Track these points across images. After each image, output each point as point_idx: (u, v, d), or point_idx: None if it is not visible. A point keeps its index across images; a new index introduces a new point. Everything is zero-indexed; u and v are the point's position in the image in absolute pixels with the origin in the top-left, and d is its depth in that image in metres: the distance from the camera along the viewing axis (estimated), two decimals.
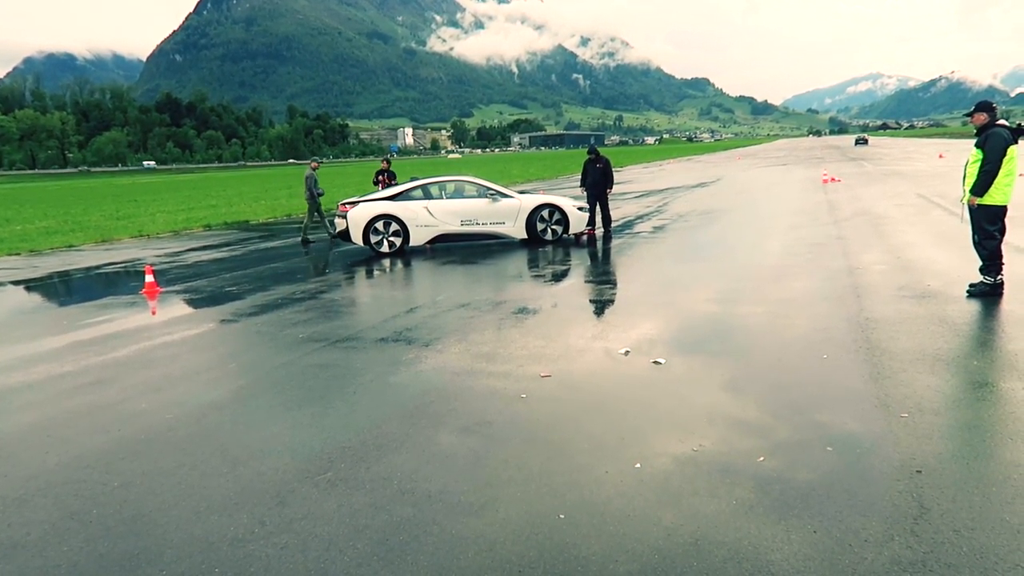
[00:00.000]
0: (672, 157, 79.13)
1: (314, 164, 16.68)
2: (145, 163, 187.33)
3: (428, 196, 13.09)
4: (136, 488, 3.90)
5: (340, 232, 13.09)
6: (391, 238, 12.75)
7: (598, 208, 14.64)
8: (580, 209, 13.53)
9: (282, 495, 3.72)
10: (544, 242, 13.15)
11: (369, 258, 12.68)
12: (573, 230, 13.45)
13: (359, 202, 13.03)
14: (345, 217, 12.85)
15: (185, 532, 3.40)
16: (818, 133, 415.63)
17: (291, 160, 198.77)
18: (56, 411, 5.24)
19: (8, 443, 4.68)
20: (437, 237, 13.02)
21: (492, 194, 13.16)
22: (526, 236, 13.19)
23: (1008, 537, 2.99)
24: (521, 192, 14.25)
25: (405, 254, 12.85)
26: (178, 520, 3.52)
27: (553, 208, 13.21)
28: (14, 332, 8.16)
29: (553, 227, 13.22)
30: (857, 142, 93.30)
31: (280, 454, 4.24)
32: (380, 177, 17.17)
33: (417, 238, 12.91)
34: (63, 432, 4.80)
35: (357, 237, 12.79)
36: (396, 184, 14.89)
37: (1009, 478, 3.48)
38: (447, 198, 13.17)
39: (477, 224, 13.03)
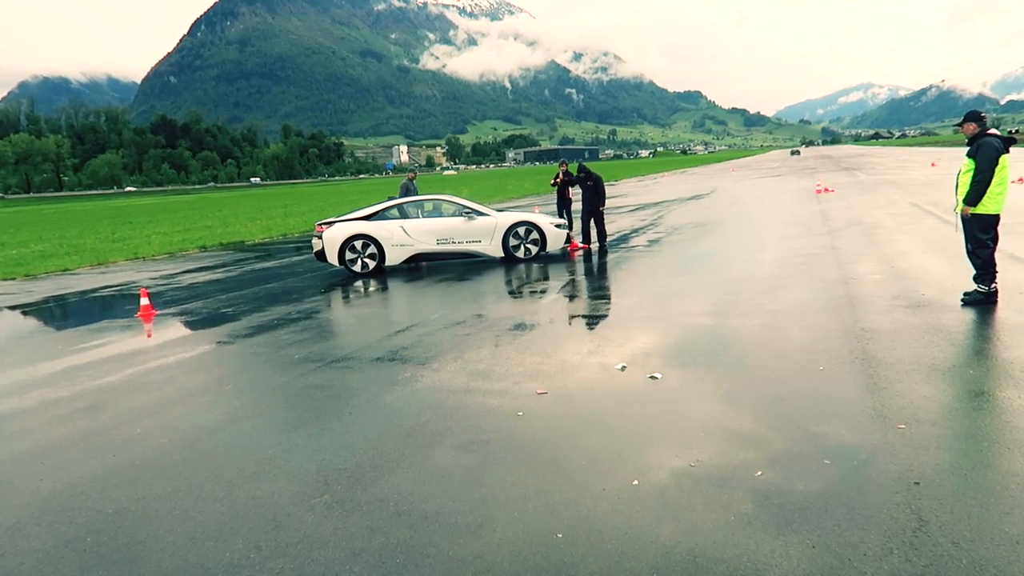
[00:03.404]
0: (666, 170, 79.42)
1: (411, 175, 17.75)
2: (252, 179, 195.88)
3: (404, 215, 13.06)
4: (131, 514, 3.87)
5: (316, 252, 13.05)
6: (367, 258, 12.71)
7: (592, 224, 14.71)
8: (558, 227, 13.45)
9: (278, 519, 3.69)
10: (534, 259, 13.06)
11: (363, 278, 12.67)
12: (550, 248, 13.33)
13: (335, 222, 13.01)
14: (321, 237, 12.83)
15: (180, 558, 3.37)
16: (810, 143, 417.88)
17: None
18: (50, 437, 5.21)
19: (1, 470, 4.65)
20: (413, 256, 12.95)
21: (467, 212, 13.11)
22: (503, 254, 13.11)
23: (1007, 548, 2.98)
24: (500, 209, 14.25)
25: (401, 272, 12.85)
26: (173, 546, 3.49)
27: (529, 226, 13.14)
28: (8, 357, 8.13)
29: (528, 245, 13.11)
30: (792, 153, 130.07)
31: (275, 477, 4.22)
32: (557, 179, 17.57)
33: (393, 258, 12.84)
34: (57, 458, 4.77)
35: (332, 257, 12.73)
36: (573, 185, 16.18)
37: (1007, 488, 3.47)
38: (423, 217, 13.14)
39: (453, 243, 12.99)
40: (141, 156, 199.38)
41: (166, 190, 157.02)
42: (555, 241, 13.36)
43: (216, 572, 3.23)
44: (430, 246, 12.93)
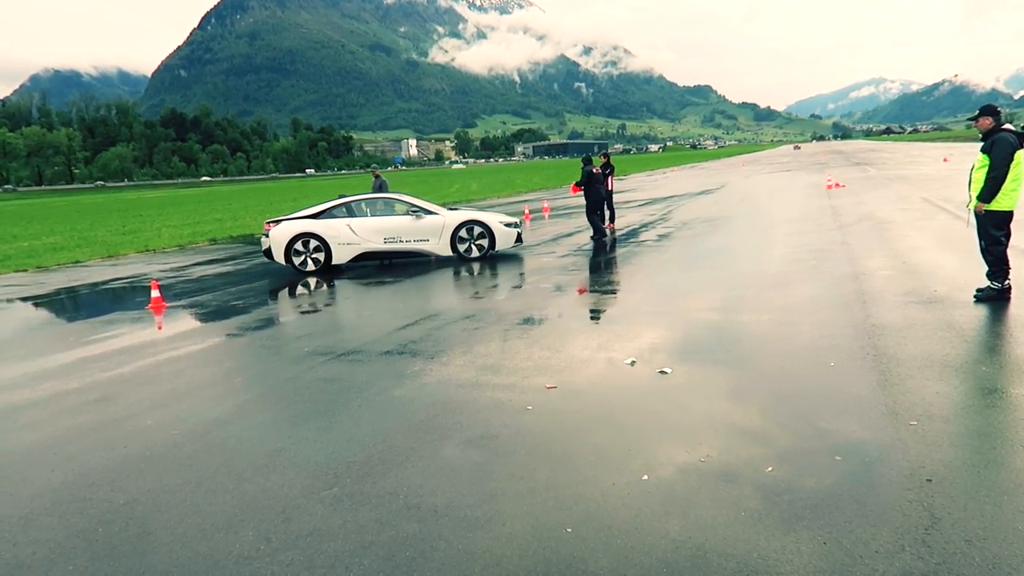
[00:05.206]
0: (676, 165, 79.13)
1: (375, 172, 18.67)
2: (308, 171, 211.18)
3: (351, 214, 12.99)
4: (141, 506, 3.89)
5: (264, 251, 12.97)
6: (312, 258, 12.63)
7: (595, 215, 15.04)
8: (508, 226, 13.30)
9: (287, 511, 3.70)
10: (537, 255, 13.02)
11: (372, 271, 12.68)
12: (500, 247, 13.21)
13: (282, 220, 12.97)
14: (268, 235, 12.78)
15: (191, 550, 3.39)
16: (821, 137, 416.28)
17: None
18: (62, 428, 5.24)
19: (14, 461, 4.68)
20: (360, 255, 12.87)
21: (415, 211, 13.04)
22: (451, 253, 13.03)
23: (1021, 546, 2.95)
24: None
25: (407, 267, 12.85)
26: (183, 538, 3.51)
27: (478, 225, 13.04)
28: (20, 349, 8.18)
29: (476, 244, 13.02)
30: (795, 148, 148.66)
31: (285, 469, 4.23)
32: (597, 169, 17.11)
33: (339, 256, 12.76)
34: (69, 449, 4.80)
35: (279, 256, 12.65)
36: (612, 177, 16.58)
37: (1021, 486, 3.44)
38: (372, 215, 13.06)
39: (400, 241, 12.91)
40: (151, 149, 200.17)
41: (176, 183, 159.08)
42: (504, 240, 13.21)
43: (226, 564, 3.25)
44: (377, 245, 12.86)
